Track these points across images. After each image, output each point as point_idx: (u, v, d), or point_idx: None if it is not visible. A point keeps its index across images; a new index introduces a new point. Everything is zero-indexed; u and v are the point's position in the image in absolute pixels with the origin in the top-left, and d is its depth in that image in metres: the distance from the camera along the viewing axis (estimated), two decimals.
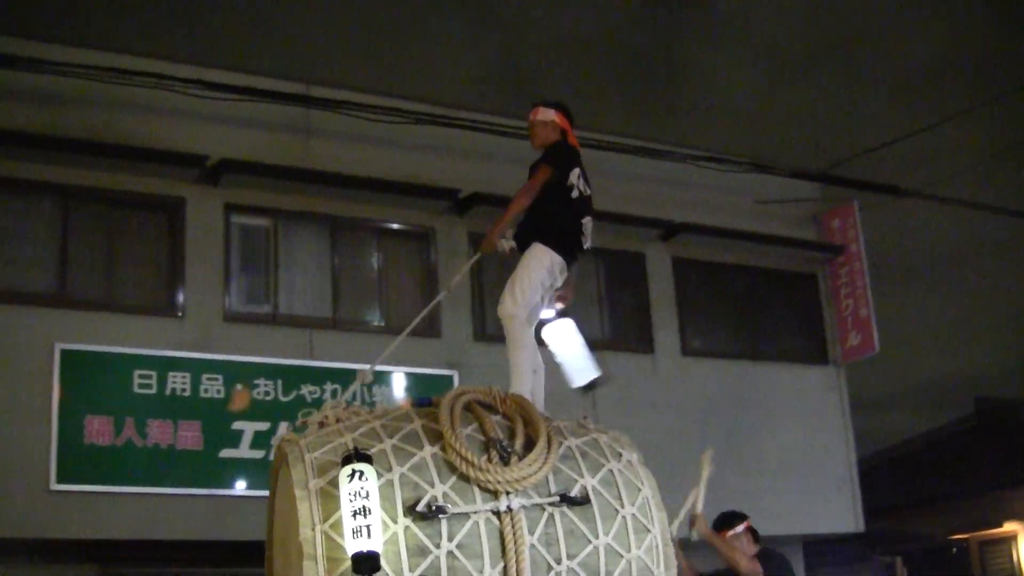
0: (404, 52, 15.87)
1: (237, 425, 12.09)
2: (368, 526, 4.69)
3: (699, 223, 15.32)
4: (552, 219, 6.57)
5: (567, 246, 6.55)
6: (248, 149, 12.70)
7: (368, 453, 4.92)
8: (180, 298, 12.25)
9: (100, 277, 12.25)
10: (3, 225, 11.86)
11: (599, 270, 14.90)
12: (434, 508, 4.94)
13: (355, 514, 4.72)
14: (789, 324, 16.34)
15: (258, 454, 12.01)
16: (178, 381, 11.92)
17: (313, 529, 4.82)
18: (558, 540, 5.11)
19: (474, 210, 13.77)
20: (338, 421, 5.42)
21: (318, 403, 12.19)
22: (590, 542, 5.16)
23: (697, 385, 14.89)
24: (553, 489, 5.18)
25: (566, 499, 5.16)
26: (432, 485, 5.03)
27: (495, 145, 13.65)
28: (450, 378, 13.06)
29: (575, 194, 6.62)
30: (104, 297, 12.18)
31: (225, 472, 11.99)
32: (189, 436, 11.88)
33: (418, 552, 4.89)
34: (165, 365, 11.90)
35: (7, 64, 11.46)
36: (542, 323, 6.82)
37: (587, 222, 6.69)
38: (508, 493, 5.06)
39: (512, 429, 5.37)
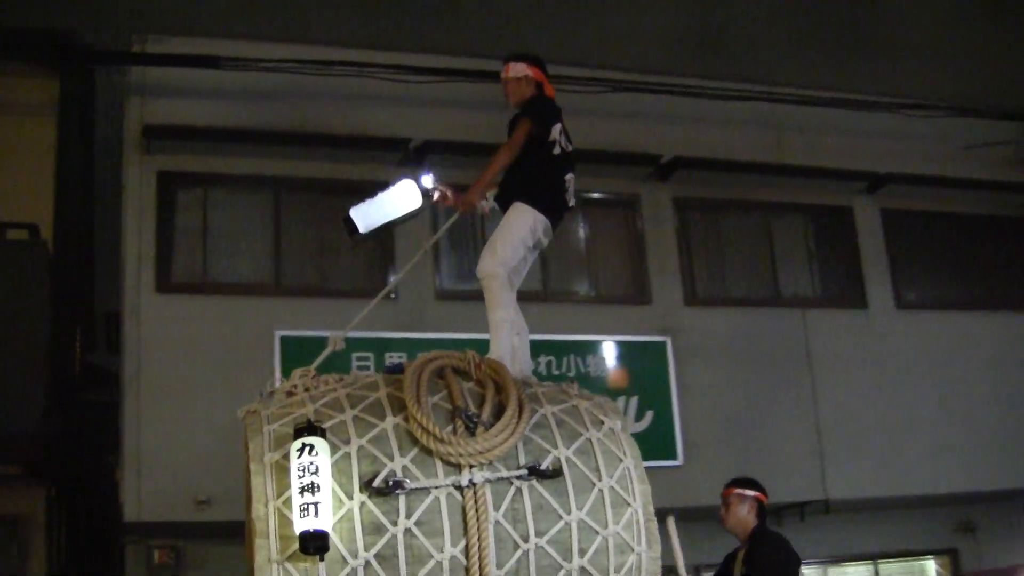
0: (600, 20, 15.87)
1: None
2: (316, 504, 4.51)
3: (906, 172, 15.01)
4: (534, 177, 6.42)
5: (550, 205, 6.39)
6: (449, 129, 12.99)
7: (322, 425, 4.76)
8: (391, 279, 12.61)
9: (314, 264, 12.77)
10: (223, 220, 12.43)
11: (807, 226, 14.74)
12: (391, 483, 4.72)
13: (303, 490, 4.54)
14: (1005, 271, 15.89)
15: None
16: (394, 361, 12.26)
17: (267, 505, 4.66)
18: (526, 516, 4.86)
19: (677, 174, 13.84)
20: (307, 390, 5.24)
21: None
22: (561, 518, 4.90)
23: (913, 338, 14.62)
24: (522, 461, 4.93)
25: (536, 472, 4.90)
26: (392, 458, 4.81)
27: (695, 108, 13.71)
28: (663, 344, 13.16)
29: (557, 150, 6.46)
30: (318, 283, 12.68)
31: None
32: None
33: (374, 530, 4.68)
34: (381, 346, 12.27)
35: (214, 65, 12.04)
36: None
37: (570, 179, 6.51)
38: (472, 467, 4.83)
39: (484, 397, 5.14)
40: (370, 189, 12.07)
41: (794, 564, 7.24)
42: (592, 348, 12.99)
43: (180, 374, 11.86)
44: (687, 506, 10.07)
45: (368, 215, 6.42)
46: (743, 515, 7.39)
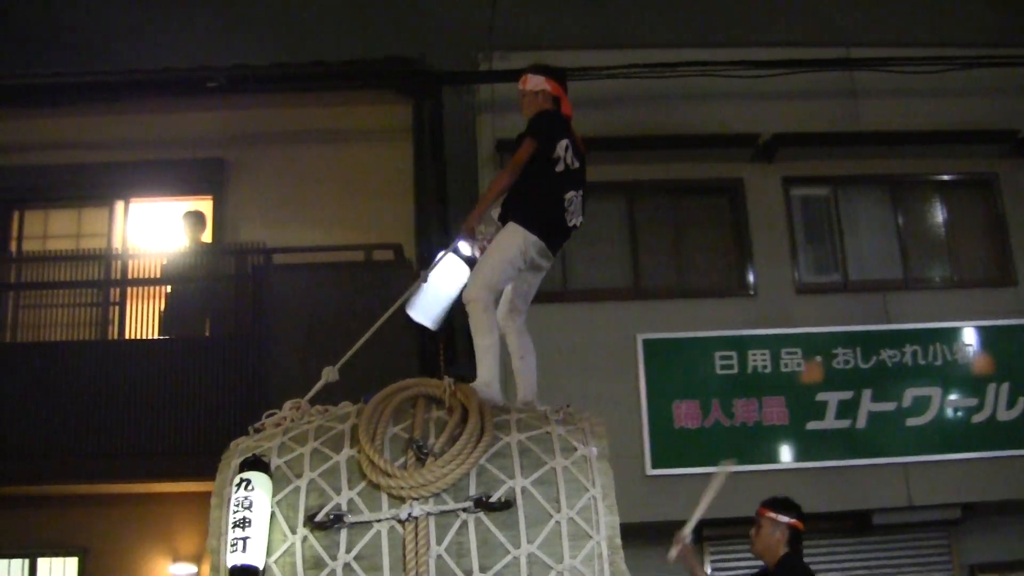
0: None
1: (820, 396, 12.43)
2: (245, 539, 4.60)
3: None
4: (528, 196, 6.21)
5: (545, 225, 6.18)
6: (797, 121, 13.17)
7: (283, 459, 4.92)
8: (750, 276, 12.81)
9: (670, 266, 13.08)
10: (582, 229, 12.82)
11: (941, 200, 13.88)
12: (332, 517, 4.75)
13: (235, 525, 4.64)
14: None
15: (843, 424, 12.36)
16: (758, 359, 12.43)
17: (219, 539, 4.77)
18: (470, 550, 4.74)
19: None
20: (292, 421, 5.37)
21: (898, 367, 12.44)
22: (509, 552, 4.74)
23: None
24: (472, 492, 4.83)
25: (482, 504, 4.78)
26: (339, 492, 4.85)
27: None
28: None
29: (560, 167, 6.22)
30: (677, 284, 13.00)
31: (812, 444, 12.35)
32: (774, 412, 12.39)
33: (315, 564, 4.71)
34: (744, 344, 12.52)
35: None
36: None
37: (572, 196, 6.27)
38: (415, 499, 4.78)
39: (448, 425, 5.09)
40: (726, 185, 12.49)
41: None
42: (955, 335, 12.77)
43: (545, 382, 12.29)
44: None
45: (426, 309, 6.53)
46: (773, 541, 7.02)
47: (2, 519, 12.14)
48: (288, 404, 5.59)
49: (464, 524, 4.76)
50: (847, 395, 12.43)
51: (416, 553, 4.67)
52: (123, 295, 12.29)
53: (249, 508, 4.66)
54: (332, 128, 13.42)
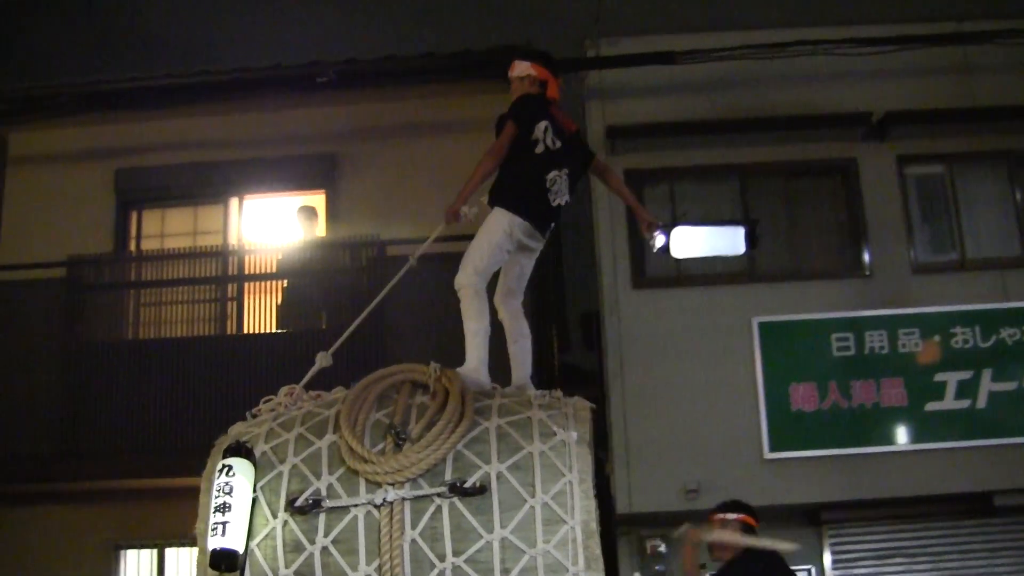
0: None
1: (939, 377, 12.36)
2: (225, 523, 4.77)
3: None
4: (511, 179, 6.34)
5: (528, 206, 6.26)
6: (909, 98, 13.08)
7: (270, 445, 5.07)
8: (865, 257, 12.75)
9: (785, 248, 13.09)
10: (692, 212, 12.92)
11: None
12: (311, 502, 4.88)
13: (216, 510, 4.81)
14: None
15: (963, 404, 12.29)
16: (875, 339, 12.39)
17: (205, 523, 4.90)
18: (443, 534, 4.82)
19: None
20: (285, 408, 5.49)
21: (1019, 346, 12.37)
22: (482, 536, 4.82)
23: None
24: (448, 477, 4.91)
25: (457, 489, 4.86)
26: (319, 477, 4.98)
27: None
28: None
29: (539, 149, 6.30)
30: (791, 267, 13.01)
31: (931, 425, 12.29)
32: (893, 393, 12.34)
33: (294, 547, 4.86)
34: (860, 325, 12.48)
35: (670, 60, 12.63)
36: (663, 250, 6.64)
37: (555, 176, 6.33)
38: (391, 484, 4.87)
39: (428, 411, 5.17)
40: (838, 165, 12.44)
41: None
42: None
43: (661, 367, 12.51)
44: None
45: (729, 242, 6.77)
46: (727, 539, 7.28)
47: (131, 511, 12.55)
48: (283, 390, 5.72)
49: (439, 509, 4.85)
50: (966, 375, 12.35)
51: (391, 537, 4.79)
52: (240, 290, 12.56)
53: (229, 494, 4.83)
54: (442, 120, 13.60)
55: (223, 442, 5.21)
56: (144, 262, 12.84)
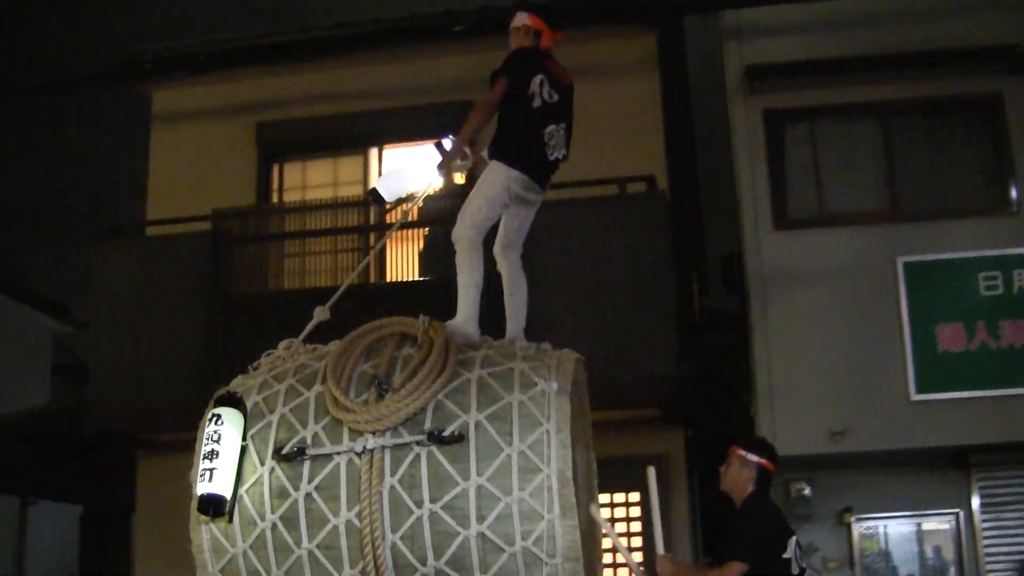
0: None
1: None
2: (212, 470, 4.99)
3: None
4: (508, 133, 6.38)
5: (526, 160, 6.31)
6: None
7: (262, 395, 5.26)
8: (1012, 193, 12.56)
9: (927, 186, 12.93)
10: (833, 151, 12.86)
11: None
12: (296, 450, 5.05)
13: (204, 457, 5.03)
14: None
15: None
16: None
17: (195, 470, 5.12)
18: (421, 481, 4.95)
19: None
20: (282, 360, 5.67)
21: None
22: (458, 483, 4.93)
23: None
24: (428, 426, 5.02)
25: (435, 437, 4.97)
26: (305, 426, 5.14)
27: None
28: None
29: (537, 103, 6.34)
30: (935, 205, 12.84)
31: None
32: None
33: (280, 494, 5.04)
34: (1009, 263, 12.33)
35: None
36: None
37: (552, 130, 6.39)
38: (374, 433, 5.01)
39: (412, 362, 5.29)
40: (981, 101, 12.24)
41: (766, 542, 6.69)
42: None
43: (803, 308, 12.49)
44: None
45: (390, 187, 6.71)
46: (741, 479, 6.94)
47: None
48: (282, 344, 5.91)
49: (417, 457, 4.99)
50: None
51: (370, 484, 4.95)
52: (381, 239, 12.75)
53: (218, 441, 5.06)
54: (578, 64, 13.46)
55: (216, 395, 5.41)
56: (286, 214, 13.10)
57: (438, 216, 12.10)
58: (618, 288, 11.54)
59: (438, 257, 12.22)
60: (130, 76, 14.51)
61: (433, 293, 11.89)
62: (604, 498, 11.90)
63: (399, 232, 12.66)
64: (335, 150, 14.10)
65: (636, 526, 12.13)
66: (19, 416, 13.20)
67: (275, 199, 13.95)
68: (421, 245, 12.58)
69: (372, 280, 12.68)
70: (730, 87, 13.08)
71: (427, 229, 12.51)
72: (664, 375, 11.39)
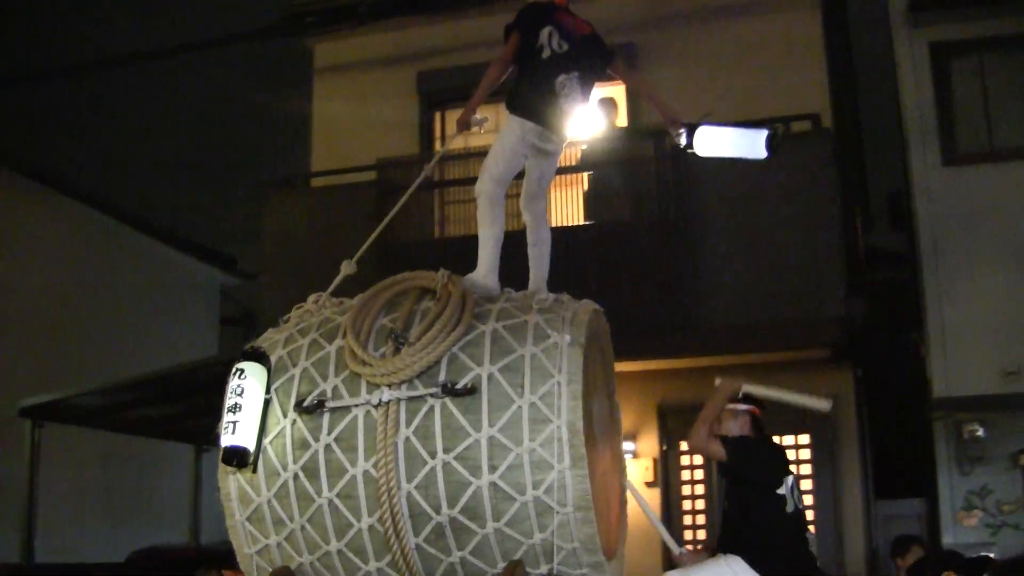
0: None
1: None
2: (235, 422, 5.15)
3: None
4: (521, 86, 6.41)
5: (539, 110, 6.28)
6: None
7: (286, 349, 5.42)
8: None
9: None
10: (1003, 84, 12.61)
11: None
12: (316, 402, 5.17)
13: (228, 410, 5.18)
14: None
15: None
16: None
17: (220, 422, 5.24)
18: (435, 433, 5.03)
19: None
20: (310, 314, 5.79)
21: None
22: (471, 434, 4.99)
23: None
24: (442, 379, 5.08)
25: (448, 389, 5.04)
26: (326, 379, 5.27)
27: None
28: None
29: (546, 54, 6.35)
30: None
31: None
32: None
33: (301, 445, 5.19)
34: None
35: None
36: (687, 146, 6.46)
37: (564, 79, 6.33)
38: (388, 386, 5.09)
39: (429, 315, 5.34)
40: None
41: (758, 464, 6.74)
42: None
43: (974, 245, 12.30)
44: None
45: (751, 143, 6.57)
46: (735, 431, 6.92)
47: None
48: (311, 297, 6.02)
49: (431, 409, 5.08)
50: None
51: (385, 435, 5.06)
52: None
53: (240, 395, 5.23)
54: (740, 2, 13.49)
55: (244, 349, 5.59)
56: (449, 161, 13.23)
57: (600, 159, 12.16)
58: (784, 228, 11.49)
59: (600, 201, 12.29)
60: (292, 30, 14.79)
61: (597, 237, 12.01)
62: (774, 440, 12.01)
63: (560, 177, 12.73)
64: (495, 96, 14.14)
65: (806, 468, 12.10)
66: (190, 366, 13.56)
67: (437, 147, 14.08)
68: (585, 188, 12.62)
69: None
70: (894, 20, 12.86)
71: (590, 173, 12.53)
72: (833, 315, 11.33)
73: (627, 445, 12.51)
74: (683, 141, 6.53)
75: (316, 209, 13.31)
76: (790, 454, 11.75)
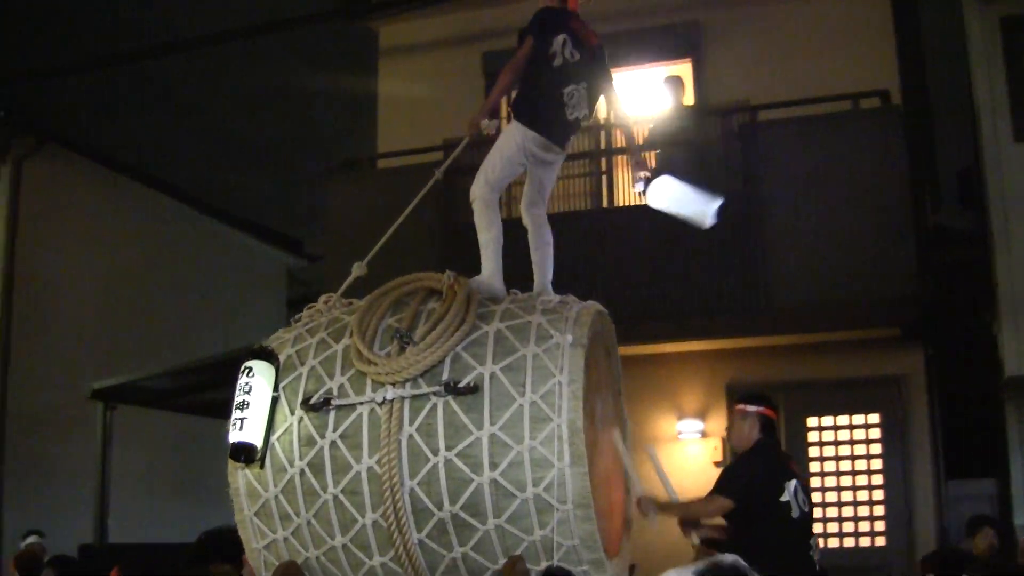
0: None
1: None
2: (243, 419, 5.29)
3: None
4: (527, 93, 6.40)
5: (543, 120, 6.28)
6: None
7: (295, 348, 5.55)
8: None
9: None
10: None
11: None
12: (322, 400, 5.31)
13: (236, 407, 5.31)
14: None
15: None
16: None
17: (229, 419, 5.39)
18: (437, 430, 5.14)
19: None
20: (320, 314, 5.92)
21: None
22: (472, 432, 5.10)
23: None
24: (445, 378, 5.19)
25: (451, 388, 5.15)
26: (332, 378, 5.40)
27: None
28: None
29: (557, 62, 6.32)
30: None
31: None
32: None
33: (308, 441, 5.33)
34: None
35: None
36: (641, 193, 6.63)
37: (572, 90, 6.33)
38: (395, 384, 5.20)
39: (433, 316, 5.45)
40: None
41: (759, 485, 6.86)
42: None
43: None
44: None
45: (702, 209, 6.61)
46: (745, 431, 7.17)
47: None
48: (322, 298, 6.13)
49: (434, 407, 5.20)
50: None
51: (389, 433, 5.19)
52: (610, 164, 12.83)
53: (248, 392, 5.35)
54: None
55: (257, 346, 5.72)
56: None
57: (667, 139, 12.12)
58: (853, 206, 11.42)
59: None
60: (357, 12, 14.86)
61: (664, 217, 11.95)
62: (843, 419, 11.95)
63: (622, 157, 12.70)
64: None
65: (876, 448, 12.02)
66: None
67: (504, 125, 14.03)
68: (652, 167, 12.57)
69: (604, 205, 12.77)
70: None
71: (656, 152, 12.48)
72: (903, 294, 11.24)
73: (696, 424, 12.50)
74: (639, 188, 6.67)
75: (381, 191, 13.31)
76: (859, 434, 11.74)
